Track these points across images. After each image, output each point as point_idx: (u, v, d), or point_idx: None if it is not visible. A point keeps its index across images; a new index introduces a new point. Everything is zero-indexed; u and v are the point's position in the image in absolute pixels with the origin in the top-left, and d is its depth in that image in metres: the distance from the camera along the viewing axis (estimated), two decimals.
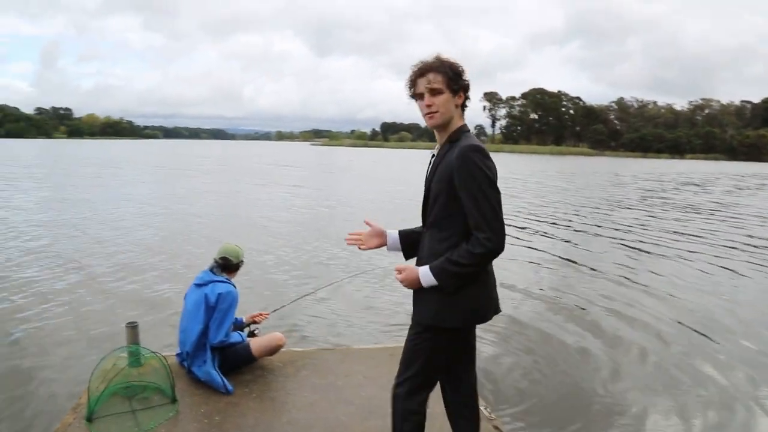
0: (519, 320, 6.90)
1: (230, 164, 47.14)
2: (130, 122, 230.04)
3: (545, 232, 14.16)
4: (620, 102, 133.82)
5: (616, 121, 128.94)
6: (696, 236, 14.08)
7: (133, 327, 4.25)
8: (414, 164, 49.87)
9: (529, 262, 10.47)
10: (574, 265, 10.41)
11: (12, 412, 4.42)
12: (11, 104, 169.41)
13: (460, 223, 2.32)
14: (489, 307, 2.46)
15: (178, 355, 4.19)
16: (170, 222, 14.28)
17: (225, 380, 3.84)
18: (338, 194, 23.18)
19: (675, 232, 14.71)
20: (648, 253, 11.71)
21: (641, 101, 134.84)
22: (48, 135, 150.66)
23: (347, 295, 7.56)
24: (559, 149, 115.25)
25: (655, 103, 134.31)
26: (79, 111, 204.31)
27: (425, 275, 2.33)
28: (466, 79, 2.38)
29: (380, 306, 7.18)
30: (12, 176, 27.87)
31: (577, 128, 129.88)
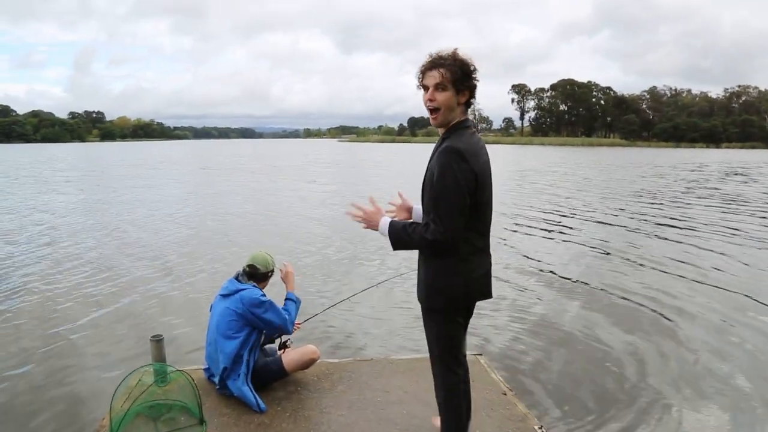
0: (562, 310, 6.60)
1: (263, 162, 47.36)
2: (160, 124, 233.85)
3: (592, 224, 13.72)
4: (653, 91, 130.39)
5: (648, 111, 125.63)
6: (752, 228, 13.42)
7: (158, 341, 4.00)
8: None
9: (579, 254, 10.24)
10: (625, 258, 10.01)
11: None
12: (46, 109, 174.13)
13: None
14: (468, 293, 2.64)
15: (205, 370, 3.93)
16: (210, 223, 14.22)
17: (258, 398, 3.56)
18: (371, 190, 22.85)
19: (725, 222, 14.05)
20: (701, 248, 11.14)
21: (674, 90, 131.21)
22: (82, 138, 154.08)
23: (383, 300, 7.22)
24: (590, 140, 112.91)
25: (689, 91, 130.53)
26: (111, 114, 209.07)
27: (383, 225, 2.58)
28: (475, 79, 2.46)
29: (419, 312, 6.77)
30: (52, 180, 28.33)
31: (609, 119, 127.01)
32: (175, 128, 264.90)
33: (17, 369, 5.29)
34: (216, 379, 3.72)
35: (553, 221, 14.37)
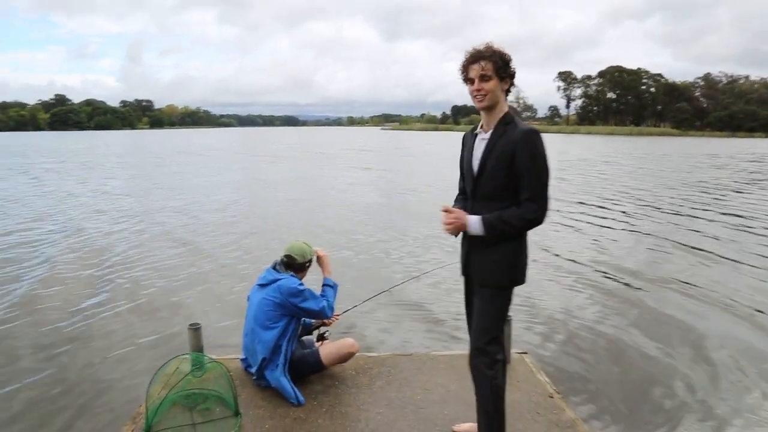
0: (615, 309, 6.30)
1: (314, 149, 47.75)
2: (206, 112, 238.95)
3: (651, 218, 13.21)
4: (707, 78, 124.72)
5: (702, 99, 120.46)
6: None
7: (195, 329, 3.95)
8: None
9: (637, 250, 9.91)
10: (688, 255, 9.57)
11: (72, 412, 4.27)
12: (99, 98, 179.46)
13: (514, 195, 2.58)
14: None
15: (242, 360, 3.86)
16: (268, 210, 14.31)
17: (296, 389, 3.47)
18: (418, 179, 22.55)
19: None
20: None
21: (731, 76, 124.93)
22: (132, 126, 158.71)
23: (424, 292, 7.08)
24: (639, 130, 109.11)
25: (747, 77, 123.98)
26: (160, 102, 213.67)
27: (474, 224, 2.62)
28: (513, 67, 2.61)
29: (459, 304, 6.57)
30: (109, 165, 29.18)
31: (659, 107, 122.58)
32: (221, 116, 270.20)
33: (56, 354, 5.38)
34: (254, 370, 3.65)
35: (608, 214, 13.89)
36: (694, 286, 7.59)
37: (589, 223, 12.51)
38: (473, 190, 2.72)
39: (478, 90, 2.58)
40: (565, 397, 3.81)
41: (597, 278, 8.01)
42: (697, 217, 13.34)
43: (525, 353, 4.31)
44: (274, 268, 3.68)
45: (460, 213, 2.66)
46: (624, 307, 6.78)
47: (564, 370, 5.01)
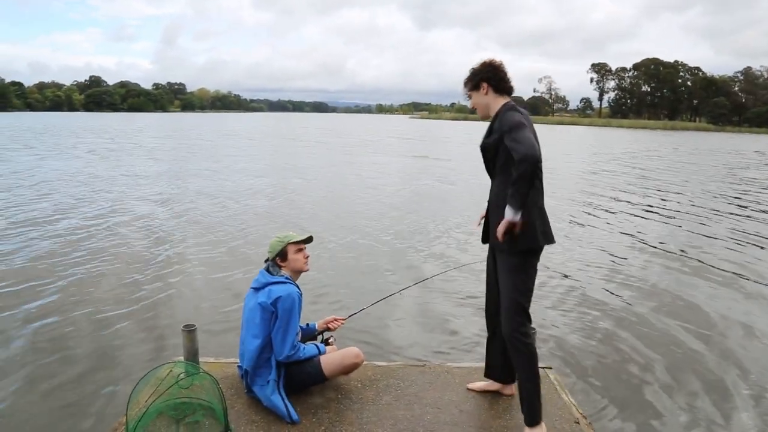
0: (651, 318, 5.79)
1: (352, 137, 47.46)
2: (237, 96, 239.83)
3: (689, 220, 12.52)
4: (747, 72, 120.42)
5: (740, 94, 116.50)
6: None
7: (190, 331, 3.67)
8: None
9: (673, 257, 9.14)
10: (727, 265, 8.93)
11: (48, 422, 4.02)
12: (133, 80, 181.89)
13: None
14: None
15: (239, 367, 3.54)
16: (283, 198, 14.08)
17: (290, 407, 3.14)
18: (457, 169, 22.07)
19: None
20: None
21: None
22: (164, 108, 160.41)
23: (440, 294, 6.64)
24: (672, 124, 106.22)
25: None
26: (192, 85, 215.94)
27: (508, 215, 2.79)
28: (479, 70, 3.04)
29: (479, 308, 5.98)
30: (152, 147, 29.36)
31: (695, 101, 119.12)
32: (252, 100, 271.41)
33: (32, 355, 5.14)
34: (246, 381, 3.34)
35: (644, 214, 13.31)
36: (724, 302, 7.05)
37: (628, 225, 11.95)
38: (488, 171, 3.13)
39: (473, 106, 3.14)
40: (593, 422, 3.42)
41: (634, 284, 7.48)
42: (744, 227, 12.65)
43: (549, 368, 3.92)
44: (267, 270, 3.37)
45: (499, 227, 2.83)
46: (667, 316, 6.23)
47: (592, 389, 4.55)
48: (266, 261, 3.42)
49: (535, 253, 2.98)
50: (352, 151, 31.91)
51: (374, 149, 33.47)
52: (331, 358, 3.42)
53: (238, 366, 3.56)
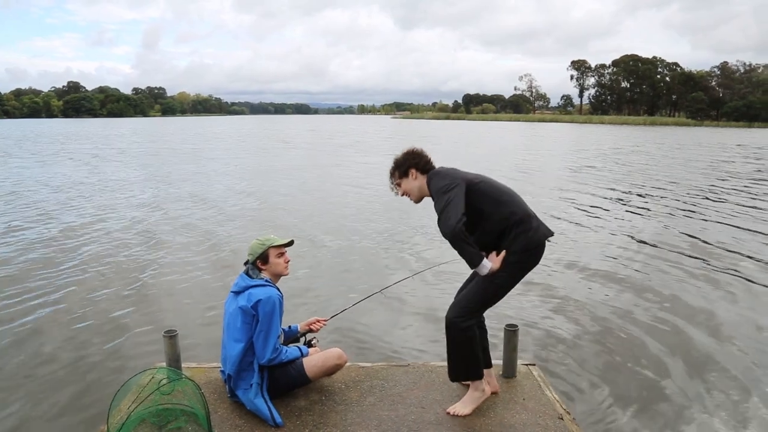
0: (635, 313, 5.85)
1: (347, 138, 47.25)
2: (218, 99, 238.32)
3: (677, 215, 12.64)
4: (724, 66, 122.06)
5: (718, 88, 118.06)
6: None
7: (171, 336, 3.64)
8: (515, 136, 47.88)
9: (656, 253, 9.22)
10: (711, 257, 9.03)
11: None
12: (114, 85, 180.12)
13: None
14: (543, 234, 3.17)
15: (222, 372, 3.51)
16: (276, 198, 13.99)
17: (273, 410, 3.12)
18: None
19: None
20: None
21: (749, 65, 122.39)
22: (144, 113, 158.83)
23: (422, 294, 6.66)
24: (653, 119, 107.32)
25: (766, 66, 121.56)
26: (173, 90, 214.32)
27: (478, 271, 3.08)
28: (405, 159, 3.28)
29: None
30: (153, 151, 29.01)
31: (674, 97, 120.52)
32: (233, 104, 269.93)
33: (42, 356, 5.07)
34: (229, 385, 3.31)
35: (628, 209, 13.44)
36: (708, 293, 7.14)
37: (610, 220, 12.06)
38: None
39: (403, 194, 3.34)
40: (577, 418, 3.45)
41: (621, 277, 7.56)
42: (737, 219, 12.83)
43: (533, 365, 3.94)
44: (246, 273, 3.34)
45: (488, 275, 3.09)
46: (647, 313, 6.27)
47: (575, 385, 4.58)
48: (245, 264, 3.39)
49: (532, 251, 3.12)
50: (334, 152, 31.85)
51: (358, 150, 33.44)
52: (313, 360, 3.41)
53: (221, 371, 3.53)
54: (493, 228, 3.08)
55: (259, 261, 3.34)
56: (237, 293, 3.28)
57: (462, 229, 2.89)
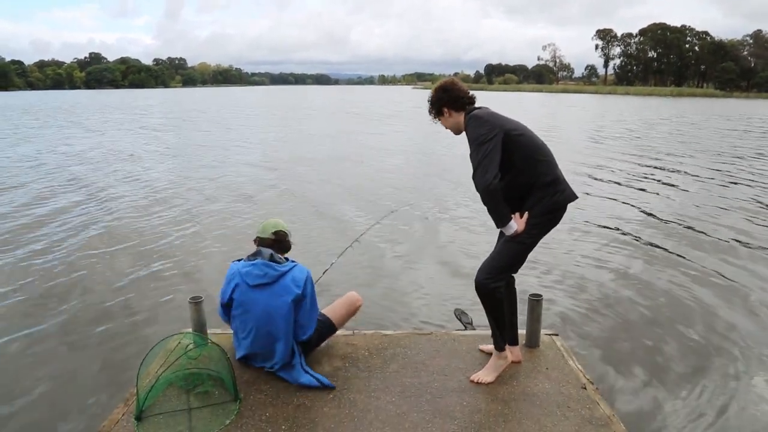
0: (661, 285, 5.79)
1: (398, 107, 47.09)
2: (239, 70, 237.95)
3: (708, 189, 12.39)
4: (757, 35, 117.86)
5: (750, 58, 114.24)
6: None
7: (197, 302, 3.69)
8: (542, 107, 47.11)
9: (683, 224, 9.06)
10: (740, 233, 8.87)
11: (60, 391, 4.07)
12: (135, 56, 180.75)
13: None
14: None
15: (243, 358, 3.38)
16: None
17: (320, 377, 3.18)
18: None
19: None
20: None
21: None
22: (165, 84, 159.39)
23: (449, 262, 6.68)
24: (680, 90, 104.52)
25: None
26: (194, 60, 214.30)
27: (504, 231, 3.08)
28: (437, 98, 3.21)
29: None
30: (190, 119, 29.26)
31: (702, 67, 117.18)
32: (253, 74, 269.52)
33: (44, 325, 5.19)
34: (268, 366, 3.29)
35: (653, 183, 13.21)
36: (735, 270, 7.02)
37: (634, 190, 11.88)
38: None
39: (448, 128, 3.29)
40: (601, 388, 3.44)
41: (642, 248, 7.50)
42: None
43: (556, 335, 3.93)
44: (270, 259, 3.21)
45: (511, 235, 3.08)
46: (672, 285, 6.20)
47: (599, 354, 4.58)
48: (259, 248, 3.29)
49: (555, 212, 3.08)
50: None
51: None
52: (337, 309, 3.53)
53: (241, 357, 3.38)
54: (519, 183, 3.02)
55: (288, 243, 3.39)
56: (267, 285, 3.15)
57: (497, 185, 2.84)
